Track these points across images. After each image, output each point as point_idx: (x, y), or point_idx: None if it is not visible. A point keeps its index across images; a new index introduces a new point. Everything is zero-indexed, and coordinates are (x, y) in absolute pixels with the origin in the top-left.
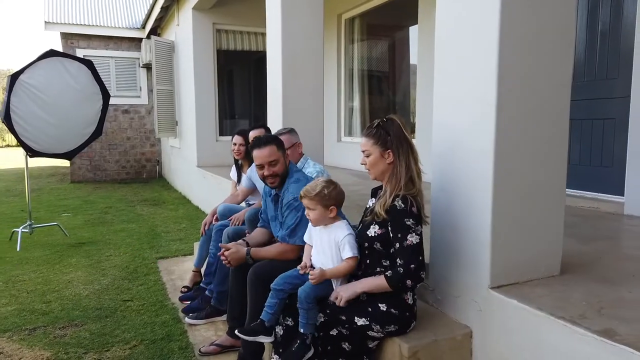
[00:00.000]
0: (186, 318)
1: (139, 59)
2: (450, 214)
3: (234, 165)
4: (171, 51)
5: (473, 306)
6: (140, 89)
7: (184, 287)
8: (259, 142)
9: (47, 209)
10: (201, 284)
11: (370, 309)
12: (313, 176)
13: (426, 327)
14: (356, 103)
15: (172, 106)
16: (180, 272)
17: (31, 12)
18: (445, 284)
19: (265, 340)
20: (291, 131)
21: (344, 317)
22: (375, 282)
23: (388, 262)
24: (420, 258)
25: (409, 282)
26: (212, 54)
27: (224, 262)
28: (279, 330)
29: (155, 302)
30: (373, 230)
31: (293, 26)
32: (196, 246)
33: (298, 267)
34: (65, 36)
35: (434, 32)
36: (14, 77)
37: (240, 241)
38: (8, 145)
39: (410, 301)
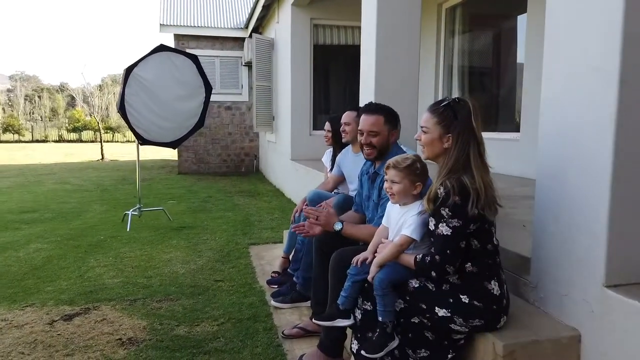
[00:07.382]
0: (272, 301)
1: (241, 57)
2: (557, 203)
3: (328, 150)
4: (270, 48)
5: (583, 307)
6: (242, 87)
7: (274, 272)
8: (369, 108)
9: (156, 196)
10: (288, 270)
11: (451, 300)
12: None
13: (524, 325)
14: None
15: (270, 102)
16: (269, 257)
17: (146, 17)
18: (549, 280)
19: (344, 323)
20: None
21: (424, 306)
22: (406, 258)
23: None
24: (449, 251)
25: (433, 273)
26: (309, 49)
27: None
28: (358, 314)
29: (244, 284)
30: (431, 224)
31: (388, 16)
32: (286, 234)
33: (354, 259)
34: (178, 37)
35: (544, 21)
36: (129, 71)
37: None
38: (128, 141)
39: (496, 292)
